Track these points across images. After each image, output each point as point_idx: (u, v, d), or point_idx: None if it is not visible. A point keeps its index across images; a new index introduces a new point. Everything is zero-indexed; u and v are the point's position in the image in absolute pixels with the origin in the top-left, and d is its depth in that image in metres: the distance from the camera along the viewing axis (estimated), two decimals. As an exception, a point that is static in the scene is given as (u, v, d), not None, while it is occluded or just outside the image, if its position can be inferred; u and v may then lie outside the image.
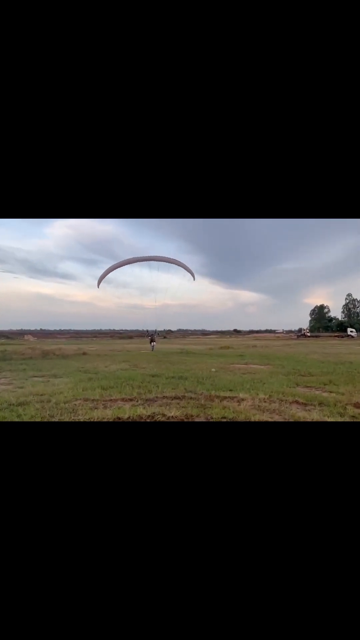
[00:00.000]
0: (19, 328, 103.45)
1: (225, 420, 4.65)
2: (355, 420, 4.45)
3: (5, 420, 4.56)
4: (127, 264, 11.27)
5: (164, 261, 11.07)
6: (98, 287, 12.73)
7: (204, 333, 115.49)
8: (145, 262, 10.68)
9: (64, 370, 11.70)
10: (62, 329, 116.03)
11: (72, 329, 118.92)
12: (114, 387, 8.12)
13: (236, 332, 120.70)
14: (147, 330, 14.53)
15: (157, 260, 11.03)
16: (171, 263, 11.24)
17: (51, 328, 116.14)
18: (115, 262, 10.39)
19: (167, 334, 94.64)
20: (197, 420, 4.18)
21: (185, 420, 4.68)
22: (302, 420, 4.36)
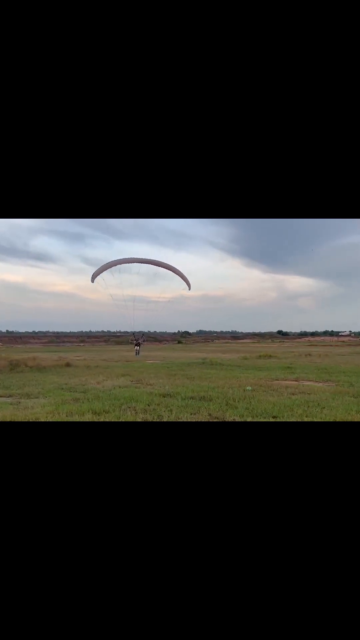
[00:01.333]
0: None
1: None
2: None
3: None
4: (124, 262, 13.75)
5: (160, 266, 13.78)
6: (92, 282, 14.76)
7: (235, 336, 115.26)
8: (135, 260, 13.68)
9: (40, 388, 11.96)
10: (37, 330, 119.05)
11: (50, 330, 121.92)
12: (110, 411, 8.18)
13: (281, 334, 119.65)
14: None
15: (154, 265, 13.66)
16: (168, 269, 13.88)
17: (21, 329, 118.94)
18: (112, 260, 13.80)
19: (183, 338, 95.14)
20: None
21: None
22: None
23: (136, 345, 17.47)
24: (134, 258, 14.02)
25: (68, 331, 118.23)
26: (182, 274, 14.44)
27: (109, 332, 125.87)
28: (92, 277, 14.79)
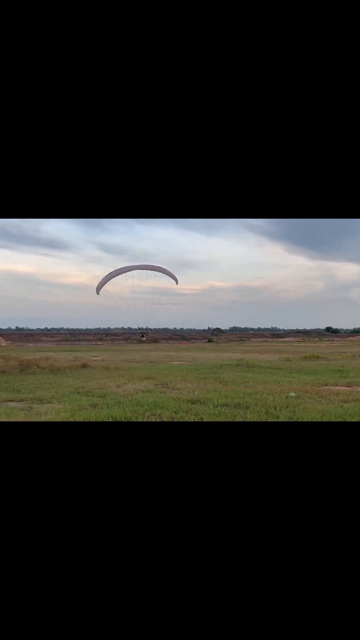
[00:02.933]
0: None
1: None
2: None
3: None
4: (118, 274, 16.65)
5: (147, 269, 17.01)
6: (98, 294, 17.19)
7: (276, 334, 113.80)
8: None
9: (53, 392, 12.31)
10: (50, 327, 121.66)
11: (65, 327, 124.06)
12: (132, 419, 8.41)
13: (331, 332, 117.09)
14: (139, 329, 19.99)
15: (140, 269, 16.88)
16: (156, 271, 17.27)
17: (32, 326, 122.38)
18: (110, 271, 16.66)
19: (214, 336, 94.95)
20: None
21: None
22: None
23: (142, 336, 21.37)
24: (121, 269, 17.03)
25: (84, 328, 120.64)
26: (169, 272, 17.82)
27: (129, 329, 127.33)
28: (97, 290, 17.29)
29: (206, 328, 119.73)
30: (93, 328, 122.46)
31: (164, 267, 17.58)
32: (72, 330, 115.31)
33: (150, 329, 19.03)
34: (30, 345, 65.19)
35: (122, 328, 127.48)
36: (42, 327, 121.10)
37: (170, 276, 17.71)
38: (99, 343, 76.30)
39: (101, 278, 17.04)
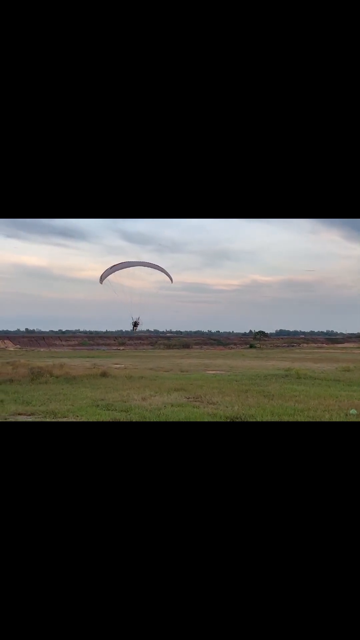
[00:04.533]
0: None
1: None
2: None
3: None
4: (119, 269, 19.76)
5: (144, 266, 20.40)
6: (101, 283, 20.02)
7: (332, 339, 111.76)
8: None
9: (69, 405, 12.49)
10: (65, 329, 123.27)
11: (81, 329, 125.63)
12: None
13: None
14: (132, 318, 22.97)
15: (135, 266, 20.17)
16: (151, 267, 20.53)
17: (44, 328, 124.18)
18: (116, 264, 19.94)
19: (257, 340, 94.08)
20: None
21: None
22: None
23: (135, 325, 22.81)
24: (121, 264, 19.99)
25: (104, 330, 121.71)
26: (165, 270, 20.75)
27: (156, 332, 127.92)
28: (100, 279, 20.06)
29: (247, 331, 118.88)
30: (114, 331, 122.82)
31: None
32: (90, 333, 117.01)
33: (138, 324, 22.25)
34: (42, 349, 66.51)
35: (148, 330, 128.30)
36: (56, 329, 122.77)
37: (165, 274, 20.91)
38: (121, 348, 77.07)
39: (104, 278, 19.98)
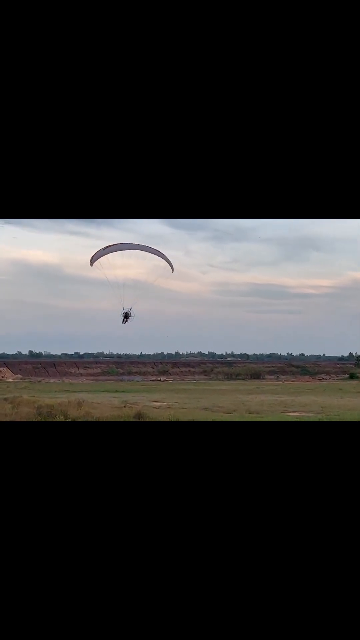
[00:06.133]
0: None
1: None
2: None
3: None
4: (116, 250, 23.40)
5: (144, 250, 23.77)
6: (91, 265, 23.75)
7: None
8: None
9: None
10: (84, 352, 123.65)
11: (107, 352, 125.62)
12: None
13: None
14: (123, 308, 26.28)
15: (139, 249, 23.69)
16: (153, 253, 23.88)
17: (55, 350, 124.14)
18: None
19: None
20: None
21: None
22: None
23: (126, 316, 25.98)
24: (121, 244, 23.83)
25: (138, 354, 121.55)
26: (166, 257, 24.00)
27: (212, 355, 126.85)
28: (90, 261, 23.67)
29: (345, 355, 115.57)
30: (152, 354, 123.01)
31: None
32: (119, 356, 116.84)
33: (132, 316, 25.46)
34: (52, 380, 66.73)
35: (200, 353, 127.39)
36: (71, 351, 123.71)
37: (167, 262, 24.00)
38: (162, 379, 76.02)
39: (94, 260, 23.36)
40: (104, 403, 28.07)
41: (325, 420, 22.11)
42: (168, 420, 21.19)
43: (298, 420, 22.09)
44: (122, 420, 20.84)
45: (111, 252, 23.41)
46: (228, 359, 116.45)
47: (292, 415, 24.32)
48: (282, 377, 79.41)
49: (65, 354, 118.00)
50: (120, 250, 23.48)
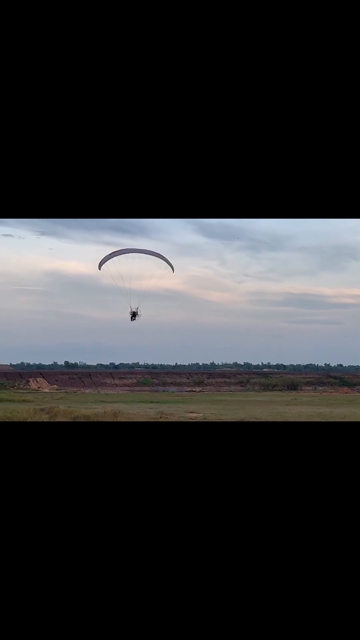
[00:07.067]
0: (13, 362, 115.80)
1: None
2: None
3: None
4: (121, 254, 25.98)
5: (144, 253, 26.39)
6: (99, 269, 26.36)
7: None
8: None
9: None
10: (119, 363, 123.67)
11: (141, 362, 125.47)
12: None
13: None
14: (130, 308, 28.14)
15: (138, 252, 26.34)
16: (153, 256, 26.48)
17: (90, 361, 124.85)
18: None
19: None
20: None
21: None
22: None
23: (134, 315, 27.63)
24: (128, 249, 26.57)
25: (173, 364, 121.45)
26: (166, 259, 26.69)
27: (247, 366, 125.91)
28: (99, 265, 26.38)
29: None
30: (187, 364, 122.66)
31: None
32: (154, 367, 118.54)
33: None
34: (87, 391, 66.84)
35: (235, 364, 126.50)
36: (106, 362, 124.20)
37: (167, 262, 26.54)
38: (197, 390, 75.70)
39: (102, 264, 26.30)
40: (139, 414, 28.19)
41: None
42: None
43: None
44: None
45: (117, 256, 26.01)
46: (264, 369, 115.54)
47: None
48: (320, 388, 78.46)
49: (101, 365, 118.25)
50: (124, 254, 26.02)
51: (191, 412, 31.42)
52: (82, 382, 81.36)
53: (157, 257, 26.82)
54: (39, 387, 69.82)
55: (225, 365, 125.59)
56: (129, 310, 27.40)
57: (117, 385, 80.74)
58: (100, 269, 26.48)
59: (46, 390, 65.53)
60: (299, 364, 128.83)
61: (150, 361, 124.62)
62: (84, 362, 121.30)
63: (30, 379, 74.89)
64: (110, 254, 26.07)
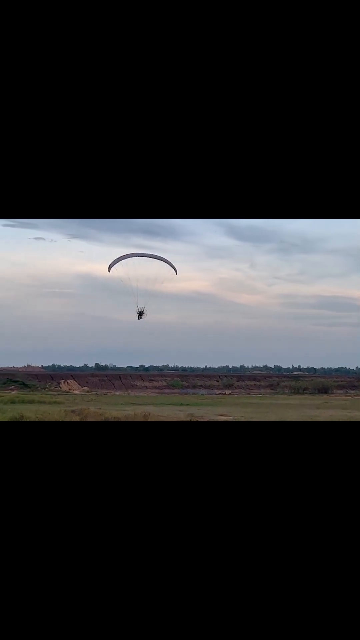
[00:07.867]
0: (45, 364, 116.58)
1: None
2: None
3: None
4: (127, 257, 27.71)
5: (149, 257, 28.33)
6: (109, 271, 28.00)
7: None
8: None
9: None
10: (149, 365, 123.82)
11: (171, 365, 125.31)
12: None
13: None
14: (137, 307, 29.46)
15: (140, 256, 28.22)
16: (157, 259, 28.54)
17: (120, 363, 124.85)
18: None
19: None
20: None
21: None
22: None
23: (140, 314, 28.78)
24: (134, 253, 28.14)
25: (202, 367, 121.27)
26: (168, 260, 28.49)
27: (277, 369, 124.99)
28: (109, 267, 27.99)
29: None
30: (217, 367, 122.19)
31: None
32: (183, 369, 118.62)
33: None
34: (117, 393, 66.97)
35: (265, 367, 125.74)
36: (136, 364, 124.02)
37: (170, 265, 28.26)
38: (227, 392, 75.50)
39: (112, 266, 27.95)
40: (169, 416, 28.22)
41: None
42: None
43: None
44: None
45: (123, 259, 27.71)
46: (294, 372, 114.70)
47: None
48: (352, 391, 77.54)
49: (131, 367, 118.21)
50: (129, 258, 27.76)
51: (221, 415, 31.44)
52: (112, 384, 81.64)
53: (160, 260, 28.38)
54: (69, 389, 70.37)
55: (255, 368, 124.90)
56: (135, 310, 28.68)
57: (147, 387, 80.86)
58: (109, 271, 28.06)
59: (77, 392, 65.93)
60: (330, 367, 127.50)
61: (180, 364, 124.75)
62: (114, 364, 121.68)
63: (61, 381, 75.65)
64: (118, 258, 27.68)
